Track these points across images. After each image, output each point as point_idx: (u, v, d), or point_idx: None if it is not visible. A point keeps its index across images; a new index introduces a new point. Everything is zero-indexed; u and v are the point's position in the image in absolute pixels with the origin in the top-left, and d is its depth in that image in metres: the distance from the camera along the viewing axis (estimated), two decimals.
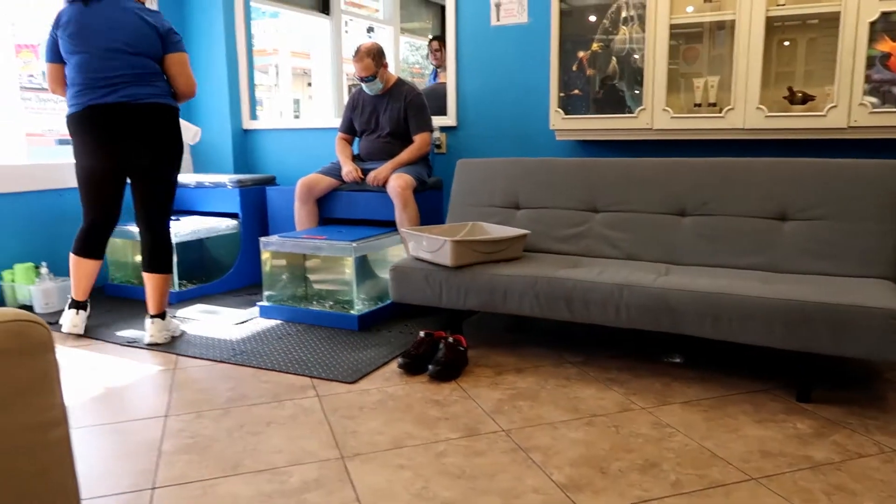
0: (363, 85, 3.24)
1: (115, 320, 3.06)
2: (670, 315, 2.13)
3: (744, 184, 2.51)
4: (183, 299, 3.39)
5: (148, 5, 2.66)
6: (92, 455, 1.81)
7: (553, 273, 2.33)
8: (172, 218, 3.65)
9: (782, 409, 2.03)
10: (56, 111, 3.88)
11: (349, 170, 3.20)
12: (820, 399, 2.10)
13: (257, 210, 3.73)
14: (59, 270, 3.44)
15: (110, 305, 3.33)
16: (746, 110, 2.66)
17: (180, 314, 3.12)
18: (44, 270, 3.20)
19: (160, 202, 2.67)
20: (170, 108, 2.59)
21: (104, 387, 2.29)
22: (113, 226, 2.77)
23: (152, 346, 2.67)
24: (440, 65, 4.55)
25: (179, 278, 3.49)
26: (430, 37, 4.70)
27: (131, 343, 2.72)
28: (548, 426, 1.92)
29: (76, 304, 2.83)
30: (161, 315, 2.74)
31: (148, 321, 2.73)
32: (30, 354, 0.75)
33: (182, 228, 3.41)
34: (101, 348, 2.69)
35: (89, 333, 2.85)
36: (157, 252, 2.69)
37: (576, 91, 3.04)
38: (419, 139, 3.22)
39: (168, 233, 2.71)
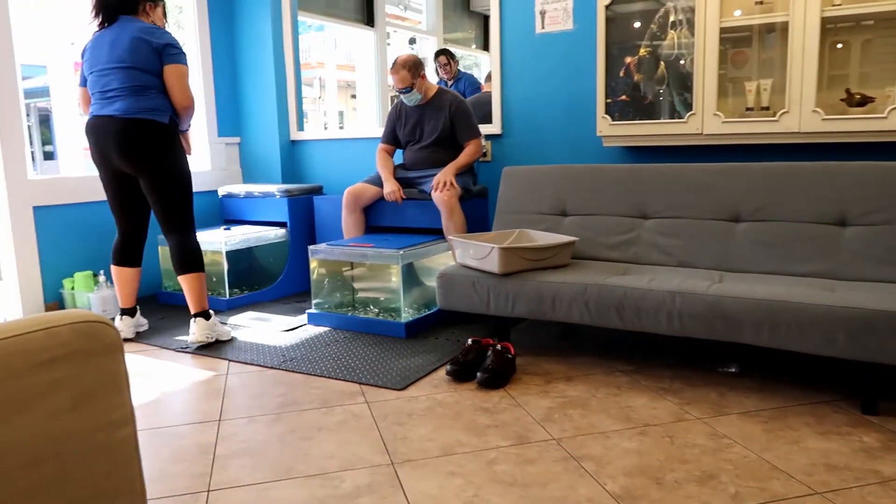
0: (402, 97, 3.25)
1: (168, 327, 3.13)
2: (726, 323, 2.07)
3: (801, 188, 2.43)
4: (234, 306, 3.45)
5: (158, 24, 2.76)
6: (148, 457, 1.84)
7: (603, 280, 2.29)
8: (223, 227, 3.73)
9: (846, 421, 1.94)
10: None
11: (391, 190, 3.21)
12: (887, 411, 2.01)
13: (305, 219, 3.78)
14: None
15: (163, 312, 3.41)
16: (802, 113, 2.58)
17: (231, 321, 3.17)
18: (101, 279, 3.30)
19: (168, 212, 2.73)
20: (155, 123, 2.62)
21: (158, 391, 2.34)
22: (141, 234, 2.88)
23: (200, 350, 2.72)
24: (451, 78, 4.54)
25: (230, 286, 3.55)
26: (437, 50, 4.69)
27: (183, 349, 2.78)
28: (600, 435, 1.88)
29: (123, 311, 2.96)
30: (203, 314, 2.80)
31: (191, 322, 2.81)
32: (101, 355, 0.77)
33: (232, 237, 3.48)
34: (155, 353, 2.75)
35: (143, 339, 2.92)
36: (181, 255, 2.76)
37: (623, 97, 3.00)
38: (471, 145, 3.22)
39: (189, 237, 2.77)
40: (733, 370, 2.38)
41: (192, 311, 2.80)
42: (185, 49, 2.93)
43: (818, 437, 1.84)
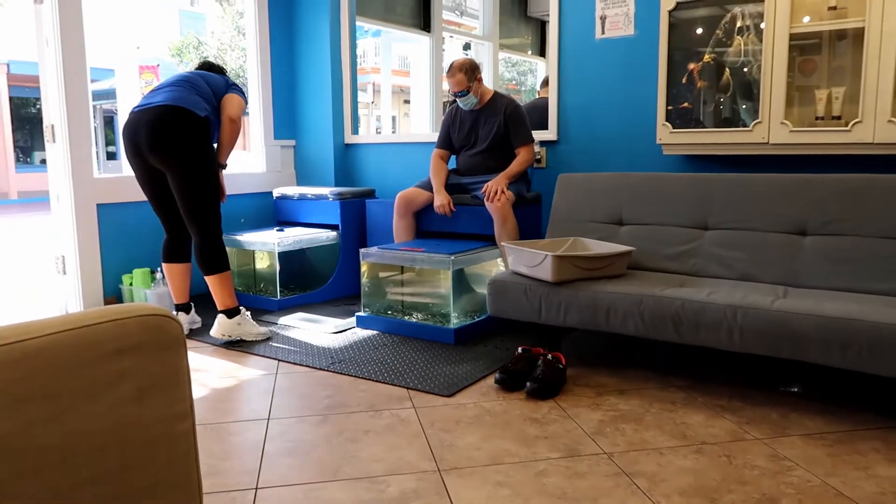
0: (458, 101, 3.26)
1: None
2: (791, 341, 2.00)
3: (875, 202, 2.34)
4: (284, 307, 3.51)
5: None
6: (199, 452, 1.89)
7: (660, 292, 2.25)
8: (276, 228, 3.80)
9: None
10: None
11: (441, 203, 3.21)
12: None
13: (357, 222, 3.82)
14: None
15: (217, 311, 3.49)
16: (877, 123, 2.48)
17: (281, 321, 3.23)
18: (158, 275, 3.40)
19: (191, 211, 2.78)
20: (189, 113, 2.68)
21: (209, 388, 2.39)
22: (184, 230, 2.96)
23: (251, 349, 2.77)
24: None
25: (281, 287, 3.62)
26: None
27: (235, 346, 2.84)
28: (653, 451, 1.84)
29: (177, 307, 3.06)
30: (227, 312, 2.87)
31: (218, 317, 2.90)
32: (165, 348, 0.79)
33: (284, 238, 3.54)
34: (207, 351, 2.82)
35: (195, 336, 2.99)
36: (201, 256, 2.83)
37: (685, 104, 2.94)
38: (524, 151, 3.21)
39: (210, 238, 2.81)
40: (795, 390, 2.30)
41: (218, 308, 2.88)
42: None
43: (888, 464, 1.76)
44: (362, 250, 3.13)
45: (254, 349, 2.80)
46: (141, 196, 3.53)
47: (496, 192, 3.07)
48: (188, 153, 2.72)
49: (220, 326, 2.87)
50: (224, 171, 2.97)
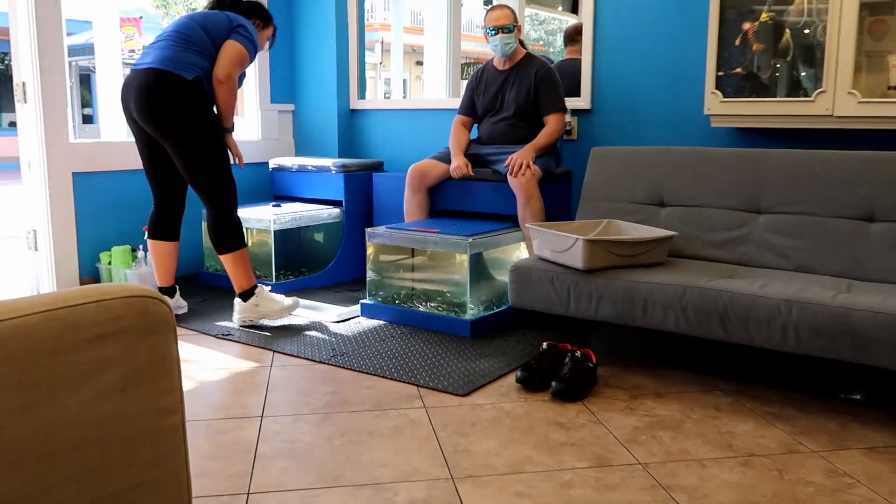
0: (497, 40, 3.22)
1: (209, 310, 3.23)
2: (854, 341, 1.98)
3: None
4: (280, 292, 3.53)
5: (258, 42, 2.95)
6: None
7: (705, 283, 2.24)
8: (272, 204, 3.81)
9: None
10: None
11: (458, 164, 3.21)
12: None
13: (363, 198, 3.83)
14: None
15: (205, 294, 3.52)
16: None
17: None
18: (140, 254, 3.43)
19: (196, 182, 2.83)
20: (174, 77, 2.70)
21: (197, 380, 2.42)
22: (175, 204, 3.00)
23: (241, 339, 2.79)
24: None
25: (277, 269, 3.63)
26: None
27: (225, 336, 2.87)
28: (694, 463, 1.84)
29: (160, 290, 3.09)
30: (244, 294, 2.93)
31: (235, 302, 2.97)
32: (153, 333, 0.79)
33: (281, 215, 3.56)
34: (194, 339, 2.84)
35: (181, 323, 3.02)
36: (214, 231, 2.88)
37: (738, 70, 2.91)
38: (553, 120, 3.19)
39: (222, 212, 2.85)
40: (858, 397, 2.28)
41: (237, 292, 2.94)
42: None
43: None
44: (368, 230, 3.14)
45: (246, 339, 2.82)
46: (123, 164, 3.55)
47: (521, 165, 3.05)
48: (180, 123, 2.74)
49: (245, 310, 2.94)
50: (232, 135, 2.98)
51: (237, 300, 2.95)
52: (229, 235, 2.88)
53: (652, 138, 3.30)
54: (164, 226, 3.02)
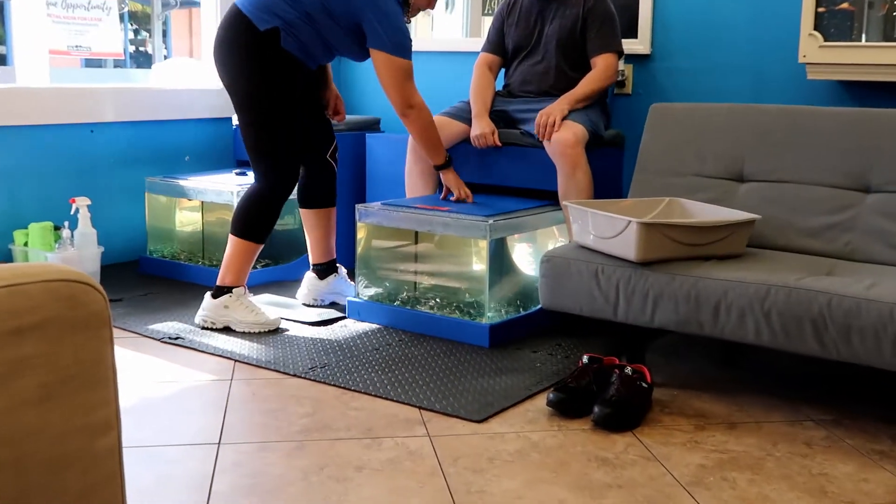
0: None
1: (153, 306, 3.25)
2: None
3: None
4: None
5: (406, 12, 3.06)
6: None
7: (796, 282, 2.24)
8: (235, 171, 3.82)
9: None
10: (85, 22, 4.14)
11: (482, 132, 3.21)
12: None
13: (352, 166, 3.84)
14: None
15: (147, 286, 3.55)
16: None
17: None
18: (66, 233, 3.44)
19: (247, 146, 3.04)
20: (246, 23, 2.87)
21: (136, 395, 2.44)
22: (311, 163, 3.27)
23: (193, 342, 2.81)
24: None
25: None
26: None
27: (173, 339, 2.88)
28: None
29: (313, 269, 3.35)
30: (217, 292, 3.00)
31: (205, 296, 3.06)
32: (83, 329, 0.80)
33: (245, 187, 3.55)
34: (133, 343, 2.86)
35: (118, 323, 3.04)
36: (242, 207, 3.04)
37: (844, 5, 2.89)
38: (602, 63, 3.19)
39: (263, 192, 3.01)
40: None
41: (216, 282, 3.03)
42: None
43: None
44: (359, 207, 3.15)
45: (202, 344, 2.84)
46: (47, 117, 3.56)
47: (551, 124, 3.06)
48: (238, 78, 2.96)
49: (208, 310, 3.02)
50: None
51: (208, 294, 3.02)
52: (254, 221, 2.99)
53: (729, 93, 3.29)
54: (304, 190, 3.27)
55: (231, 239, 3.00)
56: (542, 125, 3.06)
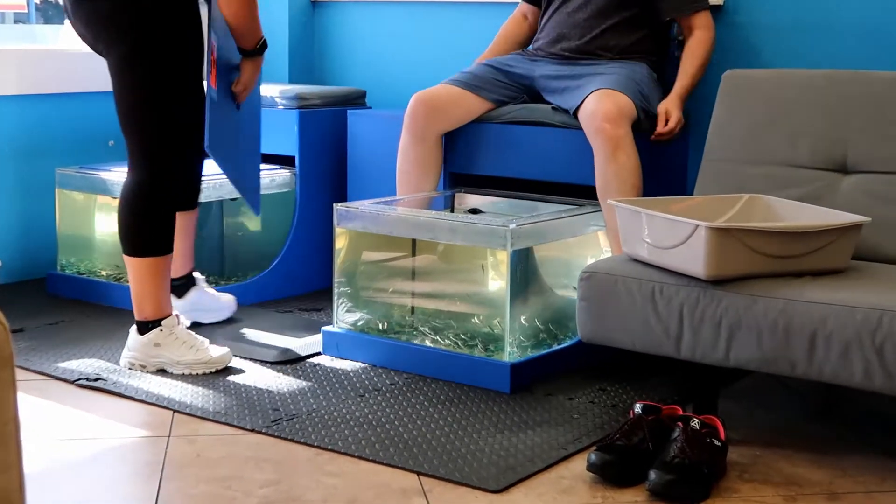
0: None
1: (64, 339, 3.26)
2: None
3: None
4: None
5: None
6: None
7: None
8: None
9: None
10: None
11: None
12: None
13: (331, 153, 3.85)
14: None
15: (57, 312, 3.56)
16: None
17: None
18: None
19: (123, 120, 3.00)
20: None
21: (47, 459, 2.42)
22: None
23: (118, 385, 2.81)
24: None
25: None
26: None
27: (92, 382, 2.88)
28: None
29: (172, 285, 3.20)
30: (141, 328, 2.98)
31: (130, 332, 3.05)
32: None
33: None
34: (42, 389, 2.86)
35: (21, 362, 3.03)
36: (127, 213, 2.98)
37: None
38: (703, 23, 3.25)
39: (149, 182, 2.96)
40: None
41: (135, 317, 2.99)
42: None
43: None
44: (339, 207, 3.15)
45: (130, 388, 2.84)
46: None
47: (674, 118, 3.16)
48: (126, 28, 2.89)
49: (136, 349, 3.00)
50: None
51: (133, 329, 3.00)
52: (149, 227, 2.96)
53: (830, 56, 3.30)
54: None
55: (130, 262, 2.97)
56: (668, 127, 3.17)
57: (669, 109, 3.17)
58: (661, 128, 3.17)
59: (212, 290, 3.41)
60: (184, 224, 3.19)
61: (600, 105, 3.05)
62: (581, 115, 3.10)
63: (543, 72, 3.33)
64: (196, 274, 3.38)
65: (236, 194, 3.69)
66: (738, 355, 2.39)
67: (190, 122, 2.95)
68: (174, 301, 3.17)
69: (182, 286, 3.29)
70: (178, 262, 3.22)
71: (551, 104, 3.27)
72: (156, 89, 2.91)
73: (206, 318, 3.35)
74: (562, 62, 3.31)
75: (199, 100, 2.97)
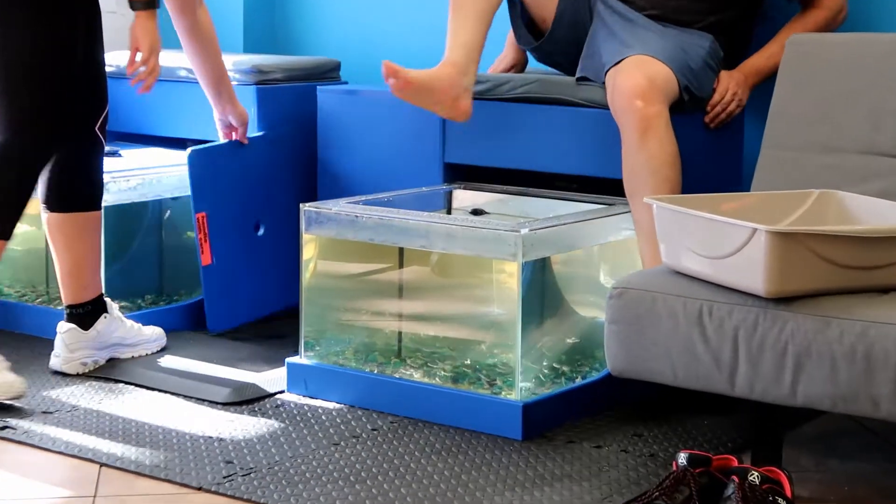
0: None
1: None
2: None
3: None
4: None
5: None
6: None
7: None
8: (107, 150, 3.83)
9: None
10: None
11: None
12: None
13: (296, 138, 3.87)
14: None
15: None
16: None
17: (107, 373, 3.28)
18: None
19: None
20: None
21: None
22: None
23: (32, 431, 2.81)
24: None
25: (114, 293, 3.64)
26: None
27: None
28: None
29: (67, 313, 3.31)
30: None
31: None
32: None
33: (120, 176, 3.63)
34: None
35: None
36: None
37: None
38: (830, 5, 3.28)
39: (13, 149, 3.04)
40: None
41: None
42: None
43: None
44: (306, 208, 3.16)
45: (46, 438, 2.83)
46: None
47: (733, 97, 3.20)
48: None
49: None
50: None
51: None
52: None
53: None
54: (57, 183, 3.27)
55: None
56: (717, 106, 3.22)
57: (729, 82, 3.20)
58: (722, 102, 3.19)
59: (129, 322, 3.41)
60: (81, 229, 3.24)
61: (632, 76, 3.06)
62: (608, 83, 3.12)
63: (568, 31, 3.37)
64: (108, 299, 3.38)
65: (177, 192, 3.70)
66: (807, 391, 2.37)
67: (76, 96, 3.06)
68: (77, 334, 3.24)
69: (87, 315, 3.29)
70: (80, 281, 3.26)
71: (577, 76, 3.29)
72: (35, 51, 3.00)
73: (123, 354, 3.35)
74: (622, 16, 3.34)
75: (94, 76, 3.12)
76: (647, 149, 3.03)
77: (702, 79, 3.22)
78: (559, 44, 3.41)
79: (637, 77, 3.05)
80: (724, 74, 3.25)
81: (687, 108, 3.17)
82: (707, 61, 3.26)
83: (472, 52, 3.21)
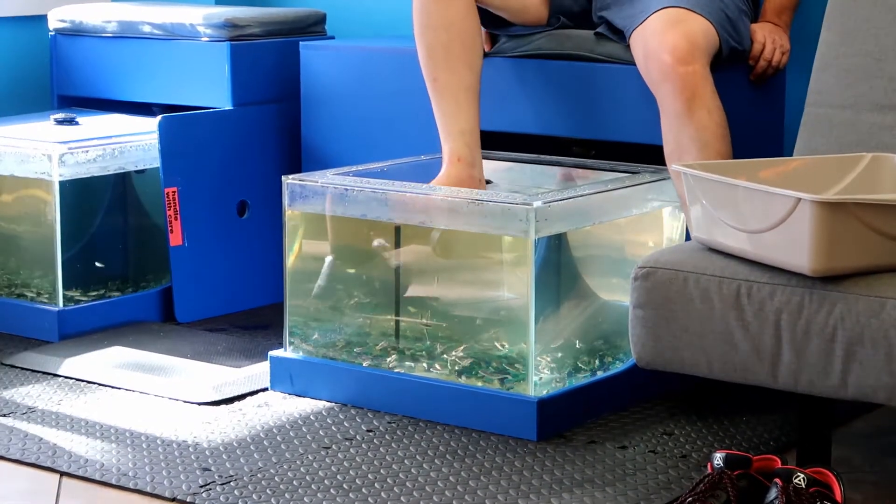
0: None
1: None
2: None
3: None
4: (77, 331, 3.59)
5: None
6: None
7: None
8: (56, 116, 3.84)
9: None
10: None
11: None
12: None
13: (277, 101, 3.89)
14: None
15: None
16: None
17: (67, 369, 3.30)
18: None
19: None
20: None
21: None
22: None
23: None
24: None
25: (73, 280, 3.65)
26: None
27: None
28: None
29: None
30: None
31: None
32: None
33: (77, 147, 3.60)
34: None
35: None
36: None
37: None
38: None
39: None
40: None
41: None
42: None
43: None
44: (289, 181, 3.17)
45: (0, 445, 2.86)
46: None
47: (775, 50, 3.23)
48: None
49: None
50: None
51: None
52: None
53: None
54: None
55: None
56: (760, 59, 3.25)
57: (767, 36, 3.21)
58: (765, 55, 3.22)
59: None
60: None
61: (668, 37, 3.05)
62: (635, 45, 3.12)
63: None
64: None
65: (143, 164, 3.70)
66: (859, 382, 2.38)
67: None
68: None
69: None
70: None
71: (596, 31, 3.29)
72: None
73: None
74: None
75: None
76: (694, 120, 3.02)
77: (740, 29, 3.23)
78: None
79: (674, 37, 3.03)
80: (755, 27, 3.26)
81: (723, 63, 3.17)
82: (741, 7, 3.26)
83: (472, 137, 3.24)
